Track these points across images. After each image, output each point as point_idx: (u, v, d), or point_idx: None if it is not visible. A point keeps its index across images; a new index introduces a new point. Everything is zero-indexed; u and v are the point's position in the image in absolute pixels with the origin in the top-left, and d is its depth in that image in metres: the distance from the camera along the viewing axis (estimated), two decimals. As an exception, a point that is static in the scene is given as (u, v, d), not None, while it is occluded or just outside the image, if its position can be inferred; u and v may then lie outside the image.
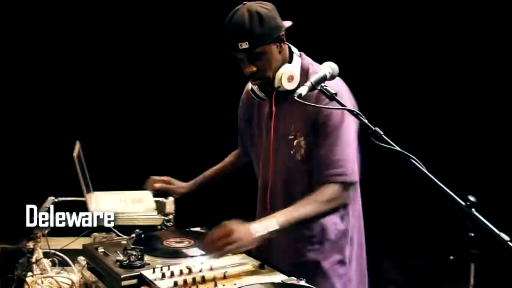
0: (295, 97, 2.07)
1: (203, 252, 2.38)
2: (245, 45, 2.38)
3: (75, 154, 2.86)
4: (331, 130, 2.40)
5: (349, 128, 2.41)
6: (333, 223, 2.57)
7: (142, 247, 2.29)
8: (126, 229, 2.80)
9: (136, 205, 3.05)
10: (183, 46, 7.38)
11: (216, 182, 3.12)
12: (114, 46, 7.20)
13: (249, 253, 2.38)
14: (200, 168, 3.17)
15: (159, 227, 2.88)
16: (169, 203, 3.12)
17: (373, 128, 1.81)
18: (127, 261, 2.24)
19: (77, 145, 3.04)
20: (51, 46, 7.00)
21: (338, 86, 2.31)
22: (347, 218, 2.60)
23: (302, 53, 2.58)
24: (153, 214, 2.95)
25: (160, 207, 3.04)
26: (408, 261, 6.65)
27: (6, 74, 6.76)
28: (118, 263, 2.24)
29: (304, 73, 2.49)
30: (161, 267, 2.18)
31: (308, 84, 2.10)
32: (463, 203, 1.59)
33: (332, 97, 2.05)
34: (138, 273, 2.17)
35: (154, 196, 3.21)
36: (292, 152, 2.51)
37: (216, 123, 6.57)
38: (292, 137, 2.50)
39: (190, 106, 7.50)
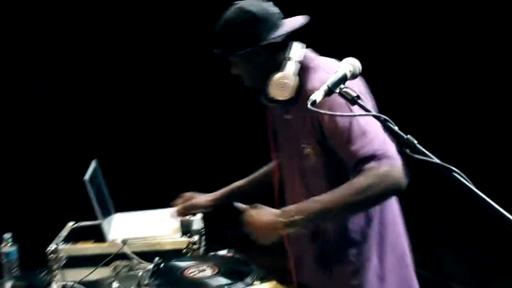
0: (309, 106, 1.75)
1: (228, 281, 2.12)
2: (217, 51, 2.26)
3: (86, 177, 2.62)
4: (341, 131, 2.08)
5: (361, 119, 2.08)
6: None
7: (156, 283, 2.04)
8: (149, 255, 2.56)
9: (158, 227, 2.79)
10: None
11: (252, 194, 2.77)
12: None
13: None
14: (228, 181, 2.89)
15: (184, 250, 2.61)
16: (196, 222, 2.86)
17: (405, 137, 1.49)
18: (140, 299, 2.00)
19: (92, 165, 2.80)
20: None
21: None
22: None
23: (307, 50, 2.31)
24: (176, 236, 2.68)
25: (186, 227, 2.78)
26: (471, 253, 6.25)
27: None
28: (131, 301, 2.01)
29: (304, 71, 2.22)
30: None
31: (324, 87, 1.77)
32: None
33: (354, 101, 1.73)
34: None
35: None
36: (302, 162, 2.28)
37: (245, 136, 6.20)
38: (304, 145, 2.25)
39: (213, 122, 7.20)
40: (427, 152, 1.45)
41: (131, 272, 2.35)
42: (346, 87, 1.77)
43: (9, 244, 2.72)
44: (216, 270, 2.21)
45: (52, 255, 2.61)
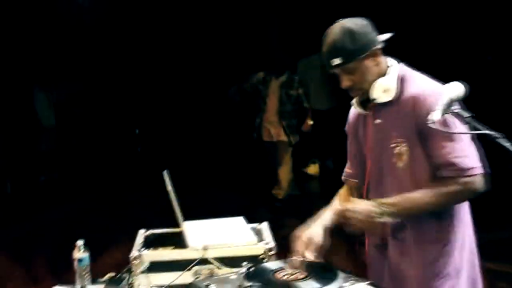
0: (429, 124, 2.17)
1: (318, 285, 2.25)
2: (338, 61, 2.53)
3: (170, 187, 2.76)
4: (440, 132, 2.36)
5: (456, 125, 2.39)
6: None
7: (256, 283, 2.18)
8: (227, 260, 2.70)
9: (232, 234, 2.91)
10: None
11: None
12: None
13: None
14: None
15: (261, 256, 2.74)
16: (265, 229, 3.00)
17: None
18: (243, 299, 2.12)
19: (166, 176, 2.92)
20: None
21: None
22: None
23: (402, 63, 2.66)
24: (254, 243, 2.81)
25: (258, 235, 2.92)
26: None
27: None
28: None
29: (402, 82, 2.58)
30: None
31: (440, 108, 2.16)
32: None
33: (467, 121, 2.12)
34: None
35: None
36: (393, 160, 2.58)
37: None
38: (394, 145, 2.56)
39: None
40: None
41: (222, 276, 2.45)
42: (458, 108, 2.16)
43: (82, 251, 2.85)
44: (305, 274, 2.34)
45: (135, 260, 2.73)
